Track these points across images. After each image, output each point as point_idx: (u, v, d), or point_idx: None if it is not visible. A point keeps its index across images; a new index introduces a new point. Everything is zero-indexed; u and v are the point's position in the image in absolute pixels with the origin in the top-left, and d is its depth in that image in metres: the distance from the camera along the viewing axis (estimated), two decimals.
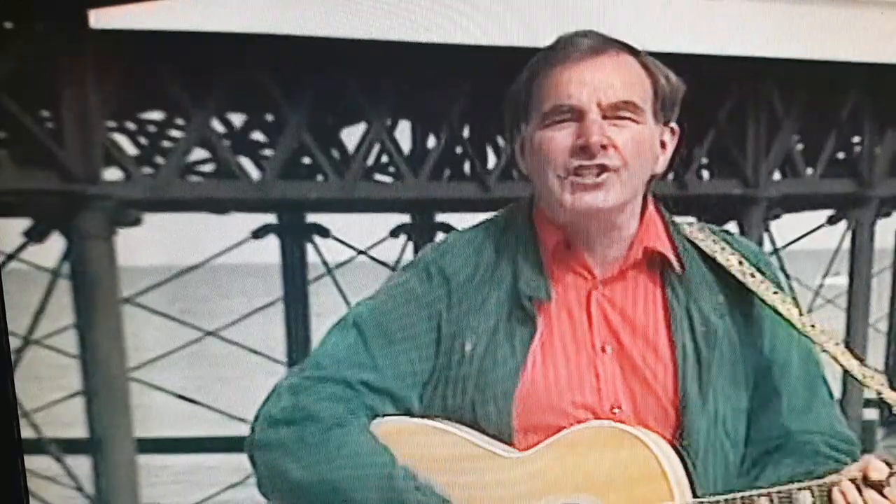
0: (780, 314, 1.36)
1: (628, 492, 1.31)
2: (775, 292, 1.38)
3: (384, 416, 1.41)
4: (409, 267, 1.47)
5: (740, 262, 1.40)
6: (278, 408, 1.40)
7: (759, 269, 1.41)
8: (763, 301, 1.36)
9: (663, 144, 1.45)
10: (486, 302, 1.40)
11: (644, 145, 1.40)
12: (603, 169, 1.36)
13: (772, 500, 1.30)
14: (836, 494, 1.31)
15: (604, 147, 1.36)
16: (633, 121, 1.39)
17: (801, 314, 1.38)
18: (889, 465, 1.33)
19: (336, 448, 1.33)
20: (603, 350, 1.39)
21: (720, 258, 1.39)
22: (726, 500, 1.31)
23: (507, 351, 1.38)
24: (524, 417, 1.38)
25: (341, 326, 1.44)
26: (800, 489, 1.29)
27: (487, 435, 1.39)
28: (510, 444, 1.39)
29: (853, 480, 1.33)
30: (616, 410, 1.38)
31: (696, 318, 1.38)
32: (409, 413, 1.42)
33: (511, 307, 1.39)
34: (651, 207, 1.44)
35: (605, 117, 1.38)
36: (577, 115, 1.37)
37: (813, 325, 1.37)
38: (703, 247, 1.41)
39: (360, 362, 1.40)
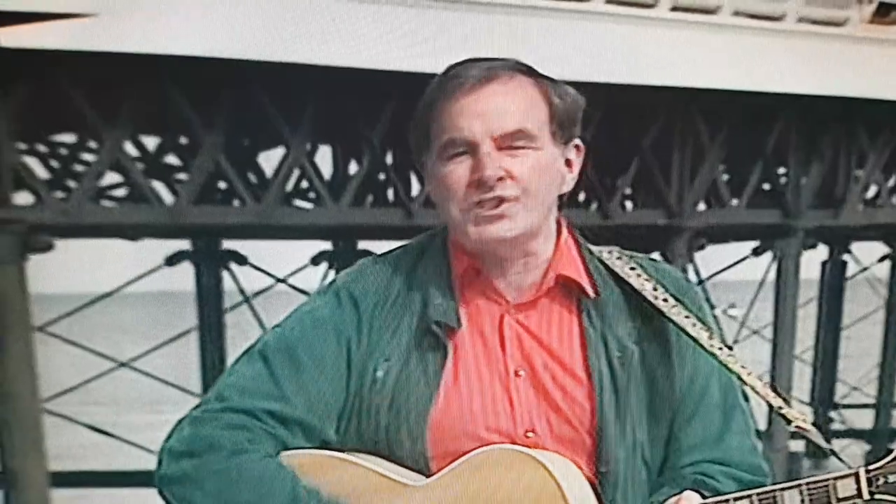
0: (687, 334, 1.37)
1: None
2: (687, 316, 1.37)
3: (295, 448, 1.37)
4: (318, 293, 1.43)
5: (654, 288, 1.39)
6: (178, 440, 1.37)
7: (674, 297, 1.39)
8: (673, 322, 1.37)
9: (569, 163, 1.40)
10: (398, 328, 1.38)
11: (545, 171, 1.36)
12: (502, 200, 1.34)
13: None
14: None
15: (500, 179, 1.34)
16: (531, 148, 1.36)
17: (710, 337, 1.37)
18: (704, 497, 1.30)
19: (237, 474, 1.33)
20: (517, 374, 1.36)
21: (634, 283, 1.39)
22: None
23: (420, 377, 1.36)
24: (439, 444, 1.36)
25: (248, 357, 1.40)
26: None
27: (402, 465, 1.37)
28: (427, 472, 1.35)
29: None
30: (530, 434, 1.35)
31: (612, 344, 1.37)
32: (325, 444, 1.38)
33: (422, 333, 1.37)
34: (565, 232, 1.41)
35: (500, 148, 1.35)
36: (472, 148, 1.35)
37: (721, 348, 1.37)
38: (617, 270, 1.40)
39: (265, 392, 1.37)
